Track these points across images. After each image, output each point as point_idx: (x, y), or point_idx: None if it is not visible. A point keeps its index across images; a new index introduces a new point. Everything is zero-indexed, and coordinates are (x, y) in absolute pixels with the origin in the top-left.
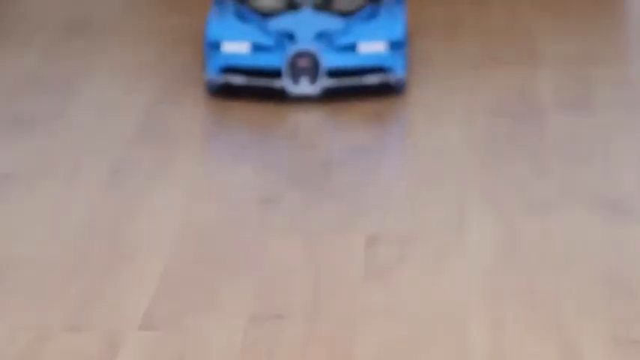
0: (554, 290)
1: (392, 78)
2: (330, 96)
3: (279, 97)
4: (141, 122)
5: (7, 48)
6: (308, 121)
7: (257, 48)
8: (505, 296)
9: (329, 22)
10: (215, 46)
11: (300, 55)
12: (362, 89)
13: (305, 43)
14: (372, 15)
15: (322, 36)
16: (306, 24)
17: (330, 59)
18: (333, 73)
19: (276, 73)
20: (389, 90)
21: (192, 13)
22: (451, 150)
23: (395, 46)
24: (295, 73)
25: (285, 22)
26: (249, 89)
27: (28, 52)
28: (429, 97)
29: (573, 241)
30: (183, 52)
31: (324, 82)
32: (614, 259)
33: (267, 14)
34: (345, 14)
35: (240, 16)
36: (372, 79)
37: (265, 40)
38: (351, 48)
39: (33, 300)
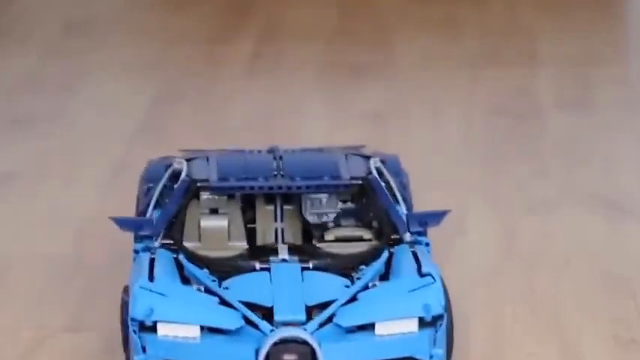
0: (554, 290)
1: None
2: None
3: None
4: (141, 122)
5: (7, 48)
6: None
7: (213, 332)
8: (505, 296)
9: (325, 285)
10: (145, 328)
11: (284, 344)
12: None
13: (292, 323)
14: (389, 267)
15: (317, 310)
16: (288, 289)
17: (333, 351)
18: None
19: None
20: None
21: (193, 13)
22: (451, 150)
23: (433, 322)
24: None
25: (253, 286)
26: None
27: (27, 51)
28: (428, 97)
29: (573, 241)
30: (183, 52)
31: None
32: (614, 259)
33: (220, 269)
34: (343, 262)
35: (181, 275)
36: None
37: (226, 319)
38: (365, 330)
39: (33, 300)
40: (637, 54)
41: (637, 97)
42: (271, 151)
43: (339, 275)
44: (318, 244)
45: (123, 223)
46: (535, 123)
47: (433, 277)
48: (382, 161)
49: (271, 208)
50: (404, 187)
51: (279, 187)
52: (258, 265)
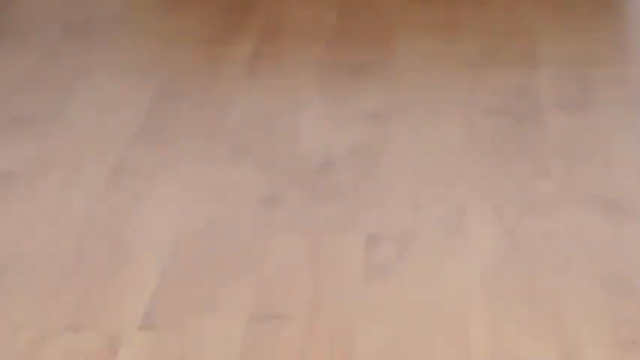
0: (554, 290)
1: None
2: None
3: None
4: (141, 122)
5: (7, 48)
6: None
7: None
8: (505, 296)
9: None
10: None
11: None
12: None
13: None
14: None
15: None
16: None
17: None
18: None
19: None
20: None
21: (193, 13)
22: (451, 150)
23: None
24: None
25: None
26: None
27: (27, 51)
28: (428, 97)
29: (573, 241)
30: (183, 52)
31: None
32: (614, 259)
33: None
34: None
35: None
36: None
37: None
38: None
39: (33, 300)
40: (637, 54)
41: (637, 97)
42: None
43: None
44: None
45: None
46: (535, 123)
47: None
48: None
49: None
50: None
51: None
52: None
